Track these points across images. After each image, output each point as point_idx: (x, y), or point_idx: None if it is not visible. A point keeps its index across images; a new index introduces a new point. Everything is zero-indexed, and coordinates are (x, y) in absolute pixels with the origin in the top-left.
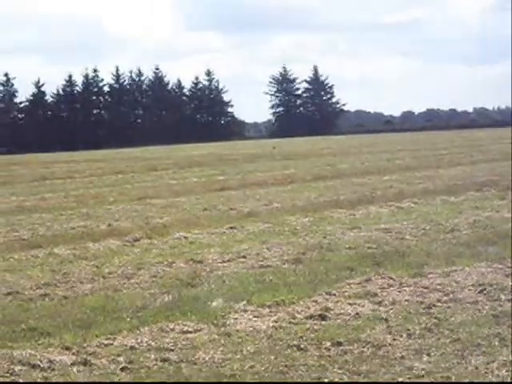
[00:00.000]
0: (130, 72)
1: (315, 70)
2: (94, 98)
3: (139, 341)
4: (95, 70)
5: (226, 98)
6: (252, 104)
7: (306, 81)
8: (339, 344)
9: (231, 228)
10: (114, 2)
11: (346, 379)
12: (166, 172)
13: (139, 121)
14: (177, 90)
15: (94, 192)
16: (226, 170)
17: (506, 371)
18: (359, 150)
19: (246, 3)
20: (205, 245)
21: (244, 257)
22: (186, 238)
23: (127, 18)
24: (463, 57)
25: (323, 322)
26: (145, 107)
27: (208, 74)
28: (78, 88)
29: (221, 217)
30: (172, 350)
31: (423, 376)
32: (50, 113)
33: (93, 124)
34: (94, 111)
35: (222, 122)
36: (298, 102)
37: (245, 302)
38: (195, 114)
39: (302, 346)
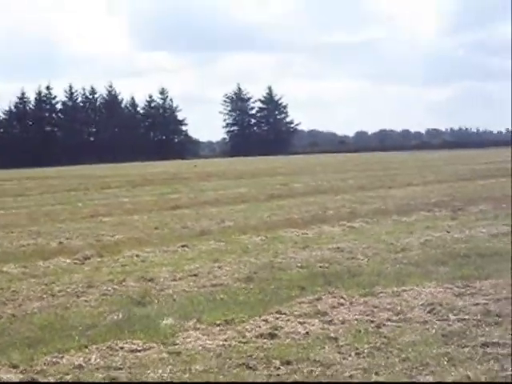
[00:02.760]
0: (84, 89)
1: (269, 89)
2: (47, 115)
3: (87, 359)
4: (48, 87)
5: (179, 116)
6: (206, 123)
7: (260, 100)
8: (288, 363)
9: (183, 246)
10: (68, 19)
11: None
12: (119, 190)
13: (92, 138)
14: (130, 108)
15: (46, 209)
16: (179, 188)
17: None
18: (313, 170)
19: (199, 23)
20: (156, 263)
21: (195, 275)
22: (137, 256)
23: (81, 35)
24: (416, 78)
25: (273, 341)
26: (98, 125)
27: (162, 92)
28: (30, 105)
29: (173, 235)
30: (120, 369)
31: None
32: (1, 130)
33: (45, 141)
34: (47, 128)
35: (176, 140)
36: (252, 121)
37: (195, 321)
38: (149, 132)
39: (251, 365)
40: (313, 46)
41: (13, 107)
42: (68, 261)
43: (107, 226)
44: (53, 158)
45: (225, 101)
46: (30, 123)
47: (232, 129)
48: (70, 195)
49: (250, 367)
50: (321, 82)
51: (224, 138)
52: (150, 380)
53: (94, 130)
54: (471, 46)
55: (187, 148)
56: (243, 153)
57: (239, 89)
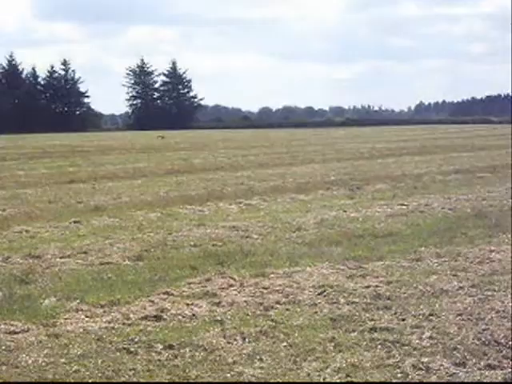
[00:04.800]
0: None
1: (173, 63)
2: None
3: None
4: None
5: (82, 88)
6: (109, 95)
7: (163, 74)
8: (171, 347)
9: (75, 222)
10: None
11: None
12: (15, 162)
13: None
14: (31, 79)
15: None
16: (77, 161)
17: (339, 378)
18: (214, 146)
19: None
20: (46, 239)
21: (85, 252)
22: (26, 231)
23: None
24: (321, 56)
25: (158, 324)
26: None
27: (64, 63)
28: None
29: (66, 210)
30: None
31: None
32: None
33: None
34: None
35: (78, 112)
36: (156, 94)
37: (78, 301)
38: (50, 104)
39: (131, 350)
40: (216, 19)
41: None
42: None
43: None
44: None
45: (128, 74)
46: None
47: (135, 102)
48: None
49: (131, 352)
50: (225, 57)
51: (127, 112)
52: (24, 363)
53: None
54: (375, 25)
55: (89, 120)
56: (146, 127)
57: (142, 62)
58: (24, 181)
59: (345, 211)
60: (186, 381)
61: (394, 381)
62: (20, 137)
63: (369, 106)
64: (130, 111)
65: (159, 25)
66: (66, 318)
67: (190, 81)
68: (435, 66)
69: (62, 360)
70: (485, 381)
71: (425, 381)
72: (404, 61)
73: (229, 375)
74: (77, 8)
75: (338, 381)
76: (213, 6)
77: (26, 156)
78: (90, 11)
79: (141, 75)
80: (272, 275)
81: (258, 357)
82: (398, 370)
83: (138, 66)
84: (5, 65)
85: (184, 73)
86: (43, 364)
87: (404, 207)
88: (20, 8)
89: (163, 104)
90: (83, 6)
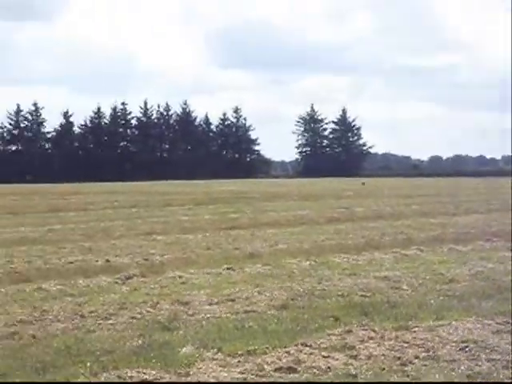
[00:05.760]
0: (158, 106)
1: (343, 111)
2: (121, 130)
3: None
4: (123, 103)
5: (252, 135)
6: (280, 143)
7: (333, 121)
8: None
9: (228, 269)
10: (144, 33)
11: None
12: (181, 208)
13: (165, 155)
14: (204, 126)
15: (104, 225)
16: (241, 208)
17: None
18: (379, 194)
19: (273, 42)
20: (196, 285)
21: (232, 300)
22: (180, 277)
23: (157, 50)
24: (491, 104)
25: (290, 375)
26: (171, 142)
27: (236, 111)
28: (105, 120)
29: (222, 256)
30: None
31: None
32: (76, 144)
33: (119, 157)
34: (121, 144)
35: (248, 159)
36: (325, 142)
37: (215, 350)
38: (221, 151)
39: None
40: (387, 69)
41: (88, 122)
42: (109, 280)
43: (159, 244)
44: (126, 174)
45: (298, 121)
46: (105, 138)
47: (304, 149)
48: (132, 212)
49: None
50: (395, 105)
51: (297, 159)
52: None
53: (168, 146)
54: None
55: (259, 167)
56: (315, 174)
57: (313, 109)
58: (187, 226)
59: (502, 263)
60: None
61: None
62: (189, 183)
63: None
64: (299, 158)
65: (330, 73)
66: (199, 368)
67: (359, 128)
68: None
69: None
70: None
71: None
72: None
73: None
74: (249, 57)
75: None
76: (383, 56)
77: (192, 202)
78: (261, 58)
79: (311, 123)
80: (415, 328)
81: None
82: None
83: (308, 114)
84: (179, 112)
85: (353, 120)
86: None
87: None
88: (195, 56)
89: (332, 151)
90: (254, 53)
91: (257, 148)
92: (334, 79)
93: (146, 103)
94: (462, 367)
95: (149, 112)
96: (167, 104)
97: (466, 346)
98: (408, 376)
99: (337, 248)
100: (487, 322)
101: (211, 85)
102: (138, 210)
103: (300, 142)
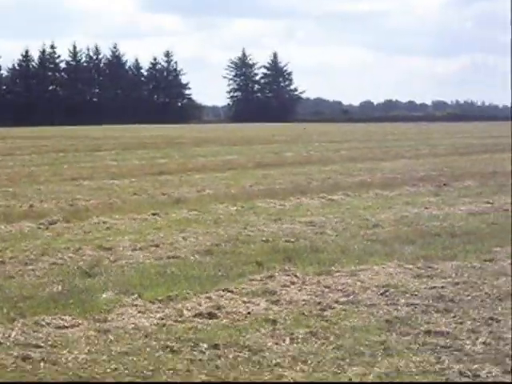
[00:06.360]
0: (88, 49)
1: (274, 56)
2: (50, 74)
3: (7, 335)
4: (52, 46)
5: (184, 80)
6: (211, 87)
7: (264, 66)
8: (216, 347)
9: (154, 214)
10: None
11: None
12: (109, 153)
13: (95, 99)
14: (134, 70)
15: (29, 170)
16: (170, 153)
17: None
18: (309, 139)
19: None
20: (121, 231)
21: (156, 246)
22: (104, 222)
23: None
24: (424, 50)
25: (210, 321)
26: (101, 86)
27: (166, 55)
28: (34, 63)
29: (148, 202)
30: (39, 347)
31: None
32: (4, 87)
33: (48, 101)
34: (50, 88)
35: (179, 104)
36: (256, 87)
37: (136, 296)
38: (152, 95)
39: (175, 348)
40: (318, 13)
41: (17, 65)
42: (32, 225)
43: (85, 189)
44: (55, 119)
45: (229, 66)
46: (34, 82)
47: (236, 94)
48: (59, 157)
49: (174, 350)
50: (327, 50)
51: (228, 104)
52: (63, 360)
53: (97, 90)
54: (478, 19)
55: (190, 112)
56: (246, 119)
57: (244, 54)
58: (114, 172)
59: (427, 208)
60: (225, 381)
61: None
62: (120, 127)
63: (471, 101)
64: (231, 103)
65: (262, 18)
66: (119, 314)
67: (290, 73)
68: None
69: (103, 357)
70: None
71: None
72: (506, 55)
73: (267, 378)
74: (180, 1)
75: None
76: (316, 0)
77: (121, 147)
78: (191, 3)
79: (242, 67)
80: (337, 273)
81: (302, 359)
82: (443, 377)
83: (240, 59)
84: (109, 56)
85: (285, 66)
86: (83, 361)
87: (489, 205)
88: (124, 0)
89: (264, 96)
90: None
91: (188, 93)
92: (264, 24)
93: (74, 46)
94: (381, 312)
95: (78, 56)
96: (96, 47)
97: (386, 291)
98: (326, 321)
99: (264, 193)
100: (408, 267)
101: (141, 29)
102: (65, 154)
103: (231, 86)
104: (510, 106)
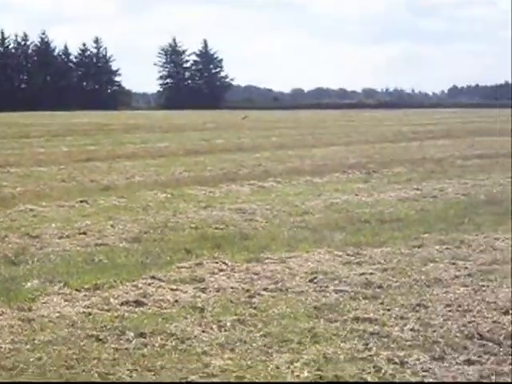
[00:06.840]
0: (16, 36)
1: (205, 42)
2: None
3: None
4: None
5: (113, 66)
6: (142, 74)
7: (195, 53)
8: (142, 335)
9: (82, 202)
10: None
11: (135, 376)
12: (38, 140)
13: (24, 86)
14: (63, 57)
15: None
16: (100, 139)
17: (309, 372)
18: (239, 126)
19: None
20: (48, 219)
21: (84, 233)
22: (31, 210)
23: None
24: (355, 38)
25: (136, 309)
26: (30, 72)
27: (96, 41)
28: None
29: (76, 189)
30: None
31: (216, 375)
32: None
33: None
34: None
35: (109, 90)
36: (187, 74)
37: (62, 284)
38: (82, 82)
39: (101, 337)
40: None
41: None
42: None
43: (12, 177)
44: None
45: (160, 53)
46: None
47: (166, 81)
48: None
49: (100, 339)
50: (259, 37)
51: (159, 91)
52: None
53: (26, 77)
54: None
55: (120, 99)
56: (177, 106)
57: (174, 41)
58: (42, 158)
59: (356, 195)
60: (151, 370)
61: (365, 375)
62: (49, 114)
63: (401, 89)
64: (161, 90)
65: (191, 3)
66: (44, 302)
67: (221, 60)
68: (469, 49)
69: (27, 347)
70: (460, 375)
71: (397, 375)
72: (438, 44)
73: (193, 367)
74: None
75: (307, 374)
76: None
77: (49, 134)
78: None
79: (172, 54)
80: (266, 260)
81: (229, 347)
82: (371, 364)
83: (170, 45)
84: (37, 42)
85: (215, 53)
86: (6, 351)
87: (418, 192)
88: None
89: (194, 83)
90: None
91: (118, 79)
92: (194, 10)
93: (2, 33)
94: (309, 299)
95: (6, 42)
96: (25, 34)
97: (315, 278)
98: (254, 308)
99: (194, 180)
100: (338, 254)
101: (69, 14)
102: None
103: (162, 73)
104: (439, 93)
